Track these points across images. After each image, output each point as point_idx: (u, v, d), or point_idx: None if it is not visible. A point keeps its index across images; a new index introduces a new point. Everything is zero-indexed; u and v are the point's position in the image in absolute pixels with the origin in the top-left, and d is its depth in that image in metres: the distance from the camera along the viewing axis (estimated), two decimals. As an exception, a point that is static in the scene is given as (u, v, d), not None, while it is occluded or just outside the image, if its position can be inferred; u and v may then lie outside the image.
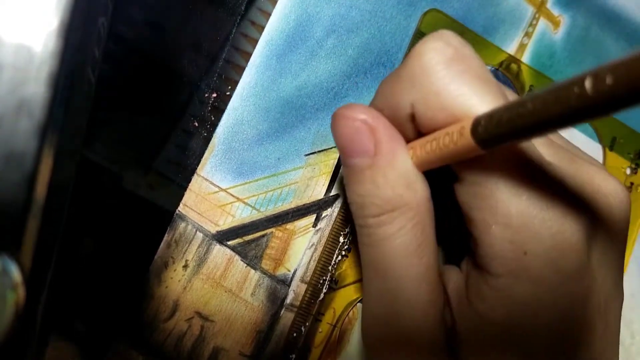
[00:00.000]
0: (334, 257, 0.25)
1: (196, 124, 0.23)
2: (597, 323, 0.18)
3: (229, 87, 0.23)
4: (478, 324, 0.18)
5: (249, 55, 0.23)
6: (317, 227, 0.25)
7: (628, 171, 0.28)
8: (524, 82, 0.28)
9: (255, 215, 0.24)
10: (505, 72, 0.27)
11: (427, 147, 0.18)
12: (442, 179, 0.19)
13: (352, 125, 0.18)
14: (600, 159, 0.28)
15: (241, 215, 0.23)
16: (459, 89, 0.16)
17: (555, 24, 0.28)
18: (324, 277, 0.25)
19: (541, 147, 0.18)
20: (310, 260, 0.24)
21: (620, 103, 0.11)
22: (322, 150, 0.24)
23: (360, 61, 0.24)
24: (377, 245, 0.18)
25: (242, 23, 0.23)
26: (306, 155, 0.24)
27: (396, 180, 0.18)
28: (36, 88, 0.13)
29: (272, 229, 0.24)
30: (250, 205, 0.23)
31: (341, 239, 0.25)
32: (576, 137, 0.28)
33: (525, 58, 0.28)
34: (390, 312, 0.19)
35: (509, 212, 0.16)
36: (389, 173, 0.18)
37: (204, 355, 0.23)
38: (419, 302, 0.18)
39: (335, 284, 0.25)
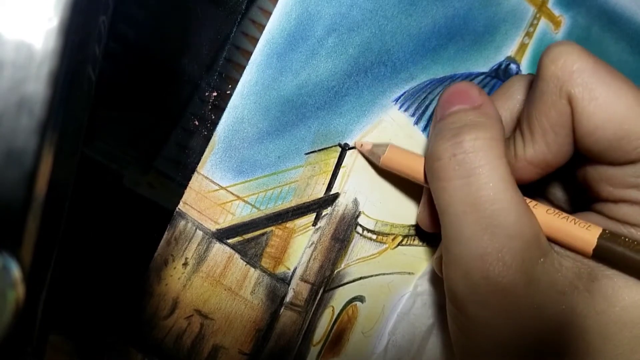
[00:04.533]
0: (334, 256, 0.25)
1: (196, 123, 0.23)
2: None
3: (230, 86, 0.23)
4: None
5: (250, 53, 0.23)
6: (317, 226, 0.25)
7: None
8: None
9: (255, 214, 0.24)
10: (505, 73, 0.27)
11: (552, 216, 0.20)
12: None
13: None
14: None
15: (241, 213, 0.23)
16: None
17: (556, 24, 0.28)
18: (324, 276, 0.25)
19: None
20: (310, 258, 0.25)
21: None
22: (322, 149, 0.24)
23: (361, 60, 0.24)
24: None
25: (243, 22, 0.23)
26: (306, 153, 0.24)
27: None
28: (36, 86, 0.13)
29: (272, 228, 0.24)
30: (250, 204, 0.24)
31: (341, 237, 0.25)
32: None
33: (525, 58, 0.28)
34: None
35: None
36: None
37: (203, 353, 0.23)
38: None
39: (334, 283, 0.25)
